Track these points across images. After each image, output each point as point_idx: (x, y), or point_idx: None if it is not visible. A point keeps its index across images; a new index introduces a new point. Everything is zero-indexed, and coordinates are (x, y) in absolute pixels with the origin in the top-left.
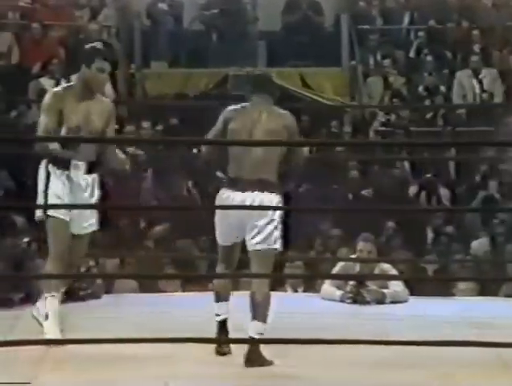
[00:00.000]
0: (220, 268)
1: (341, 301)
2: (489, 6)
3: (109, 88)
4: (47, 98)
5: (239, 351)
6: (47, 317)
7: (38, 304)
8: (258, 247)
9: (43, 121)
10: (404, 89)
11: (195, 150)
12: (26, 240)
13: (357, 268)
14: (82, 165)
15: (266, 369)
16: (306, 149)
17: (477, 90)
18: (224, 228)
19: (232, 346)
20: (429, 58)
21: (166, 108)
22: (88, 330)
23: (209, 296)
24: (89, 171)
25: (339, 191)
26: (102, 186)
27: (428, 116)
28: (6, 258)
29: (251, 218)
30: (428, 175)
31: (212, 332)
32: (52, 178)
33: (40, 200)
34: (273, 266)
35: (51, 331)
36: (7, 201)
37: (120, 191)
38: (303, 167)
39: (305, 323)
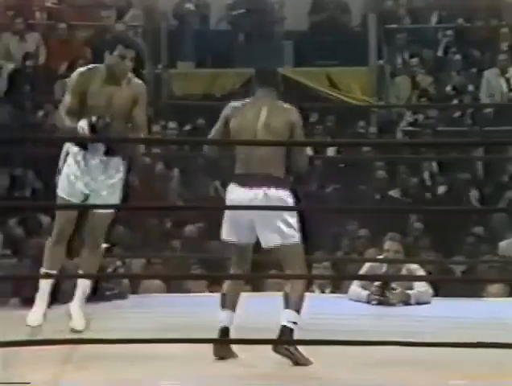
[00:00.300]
0: (233, 272)
1: (367, 302)
2: None
3: None
4: (73, 77)
5: (262, 354)
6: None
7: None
8: (278, 242)
9: (66, 99)
10: (432, 89)
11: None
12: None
13: (384, 268)
14: (101, 146)
15: (287, 370)
16: (307, 149)
17: (505, 89)
18: (233, 227)
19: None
20: (457, 57)
21: (192, 108)
22: (114, 330)
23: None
24: (107, 153)
25: (366, 192)
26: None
27: (456, 115)
28: (31, 258)
29: (263, 216)
30: (457, 175)
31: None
32: (69, 157)
33: (57, 180)
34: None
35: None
36: (34, 201)
37: (146, 191)
38: (306, 167)
39: (329, 324)
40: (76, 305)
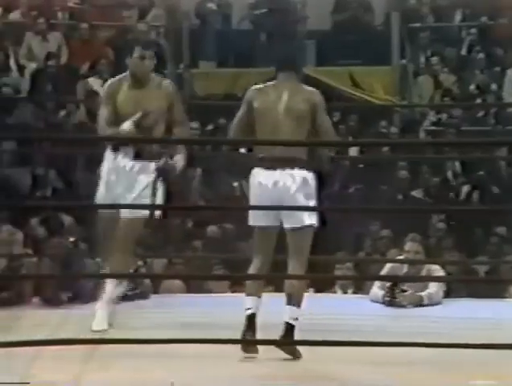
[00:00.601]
0: (256, 261)
1: (383, 302)
2: None
3: None
4: (104, 89)
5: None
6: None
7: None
8: (295, 225)
9: (101, 112)
10: (455, 88)
11: (242, 150)
12: (72, 239)
13: (405, 269)
14: (130, 150)
15: (303, 369)
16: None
17: None
18: (260, 210)
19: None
20: (480, 55)
21: (214, 108)
22: (136, 330)
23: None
24: (137, 157)
25: (388, 192)
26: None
27: (479, 114)
28: (53, 257)
29: (286, 197)
30: (480, 173)
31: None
32: (104, 160)
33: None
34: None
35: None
36: (55, 201)
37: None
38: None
39: (343, 325)
40: (100, 306)
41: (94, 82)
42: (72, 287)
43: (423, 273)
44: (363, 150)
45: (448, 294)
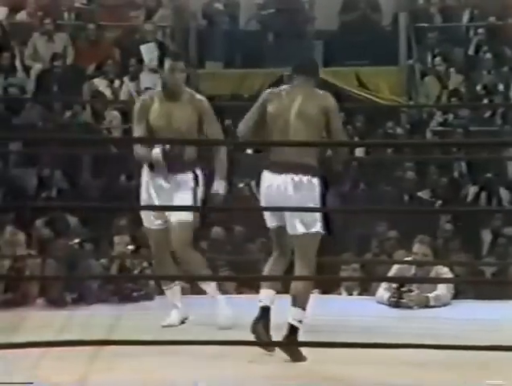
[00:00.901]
0: (273, 256)
1: (389, 304)
2: None
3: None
4: (135, 106)
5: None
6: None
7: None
8: (299, 231)
9: (134, 130)
10: (462, 88)
11: (249, 151)
12: (77, 240)
13: (413, 270)
14: (163, 168)
15: (309, 370)
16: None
17: None
18: (270, 212)
19: None
20: (488, 55)
21: (221, 108)
22: (141, 331)
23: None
24: (172, 171)
25: (394, 193)
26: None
27: (487, 115)
28: (59, 258)
29: (290, 201)
30: (488, 175)
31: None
32: (143, 180)
33: None
34: (317, 250)
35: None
36: (61, 201)
37: None
38: (344, 154)
39: (349, 326)
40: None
41: (100, 82)
42: (76, 288)
43: (432, 275)
44: (369, 151)
45: (455, 296)
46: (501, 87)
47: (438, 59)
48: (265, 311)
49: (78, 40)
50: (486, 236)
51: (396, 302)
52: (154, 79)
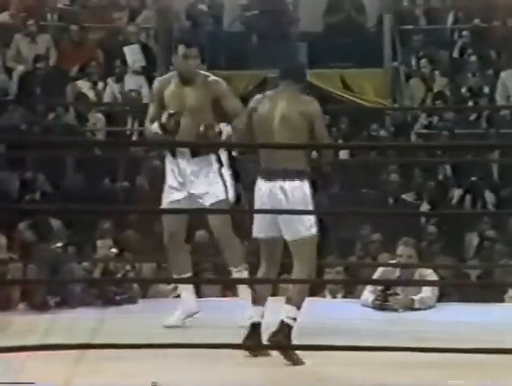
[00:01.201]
0: (262, 268)
1: (373, 307)
2: None
3: (145, 90)
4: (153, 86)
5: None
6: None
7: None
8: (294, 237)
9: (149, 109)
10: (447, 90)
11: (234, 153)
12: (60, 244)
13: (398, 273)
14: (186, 150)
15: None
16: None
17: None
18: (259, 220)
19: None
20: (473, 58)
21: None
22: (124, 335)
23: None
24: (194, 155)
25: (378, 195)
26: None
27: (472, 117)
28: (41, 262)
29: (280, 207)
30: (473, 179)
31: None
32: (167, 168)
33: None
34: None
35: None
36: (44, 204)
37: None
38: (331, 157)
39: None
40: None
41: (84, 84)
42: (59, 292)
43: (416, 277)
44: (353, 153)
45: (439, 298)
46: (486, 89)
47: (424, 60)
48: (255, 327)
49: (61, 42)
50: (471, 239)
51: (381, 305)
52: (138, 80)
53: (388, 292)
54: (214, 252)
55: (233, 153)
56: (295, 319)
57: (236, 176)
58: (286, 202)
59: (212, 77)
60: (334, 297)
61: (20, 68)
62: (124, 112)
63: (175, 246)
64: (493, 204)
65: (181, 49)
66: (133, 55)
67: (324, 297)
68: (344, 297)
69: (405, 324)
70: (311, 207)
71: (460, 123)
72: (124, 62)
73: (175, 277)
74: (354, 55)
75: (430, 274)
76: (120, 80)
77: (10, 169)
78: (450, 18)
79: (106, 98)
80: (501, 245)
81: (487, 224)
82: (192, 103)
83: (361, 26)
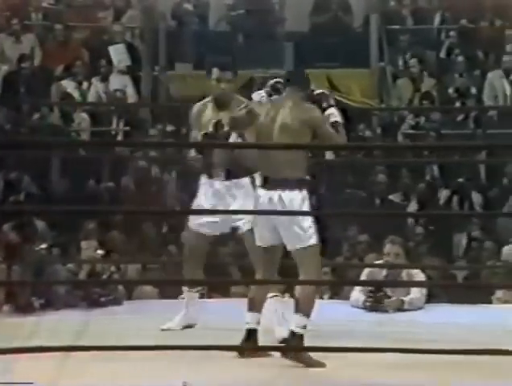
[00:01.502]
0: (258, 275)
1: (364, 307)
2: None
3: (130, 90)
4: (191, 112)
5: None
6: None
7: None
8: (296, 246)
9: (192, 134)
10: (434, 91)
11: None
12: (44, 245)
13: (385, 272)
14: (221, 171)
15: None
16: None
17: (508, 91)
18: (259, 228)
19: None
20: (460, 58)
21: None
22: (109, 336)
23: (232, 302)
24: (228, 177)
25: (365, 195)
26: None
27: (459, 118)
28: (26, 263)
29: (281, 220)
30: (460, 180)
31: (234, 340)
32: (200, 188)
33: None
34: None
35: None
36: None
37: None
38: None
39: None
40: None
41: (69, 84)
42: (44, 294)
43: (404, 275)
44: (340, 154)
45: (428, 300)
46: (473, 90)
47: (413, 60)
48: (252, 333)
49: (46, 41)
50: (459, 240)
51: (372, 306)
52: (123, 80)
53: (380, 293)
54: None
55: None
56: (304, 327)
57: None
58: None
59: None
60: (321, 297)
61: (4, 68)
62: (109, 112)
63: (195, 263)
64: (480, 205)
65: (215, 72)
66: (118, 54)
67: None
68: (331, 298)
69: (396, 325)
70: (310, 217)
71: (447, 123)
72: (109, 61)
73: (187, 289)
74: (341, 55)
75: (418, 274)
76: (105, 79)
77: None
78: (437, 19)
79: (91, 98)
80: (489, 246)
81: (475, 225)
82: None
83: (348, 26)
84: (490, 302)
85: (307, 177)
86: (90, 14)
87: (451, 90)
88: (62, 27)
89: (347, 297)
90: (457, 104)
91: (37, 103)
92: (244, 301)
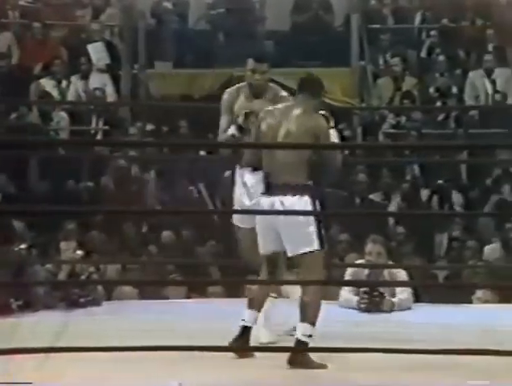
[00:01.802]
0: (261, 276)
1: (358, 308)
2: (503, 4)
3: (110, 88)
4: (223, 97)
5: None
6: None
7: None
8: (297, 252)
9: (221, 120)
10: (415, 90)
11: (202, 152)
12: (23, 246)
13: (367, 271)
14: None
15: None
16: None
17: (490, 91)
18: (261, 236)
19: None
20: (441, 58)
21: (170, 109)
22: (88, 337)
23: (212, 303)
24: (255, 169)
25: (346, 195)
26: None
27: (440, 118)
28: (5, 264)
29: (280, 223)
30: (440, 181)
31: (213, 340)
32: (237, 178)
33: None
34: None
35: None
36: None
37: (122, 195)
38: (338, 170)
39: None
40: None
41: (47, 83)
42: (23, 295)
43: (386, 275)
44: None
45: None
46: (454, 89)
47: (395, 59)
48: (246, 331)
49: (23, 39)
50: (441, 240)
51: (367, 307)
52: (102, 79)
53: (375, 294)
54: (181, 253)
55: None
56: (310, 336)
57: None
58: (286, 218)
59: (284, 93)
60: None
61: None
62: (88, 110)
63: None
64: (461, 205)
65: (250, 63)
66: (97, 53)
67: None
68: None
69: (389, 325)
70: (312, 223)
71: (428, 123)
72: (89, 60)
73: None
74: (321, 54)
75: (399, 273)
76: (84, 77)
77: None
78: (418, 18)
79: (70, 96)
80: (471, 246)
81: (457, 225)
82: None
83: (329, 25)
84: (471, 302)
85: (310, 182)
86: (68, 13)
87: (432, 89)
88: (40, 25)
89: (332, 298)
90: (438, 104)
91: (15, 102)
92: (222, 301)
